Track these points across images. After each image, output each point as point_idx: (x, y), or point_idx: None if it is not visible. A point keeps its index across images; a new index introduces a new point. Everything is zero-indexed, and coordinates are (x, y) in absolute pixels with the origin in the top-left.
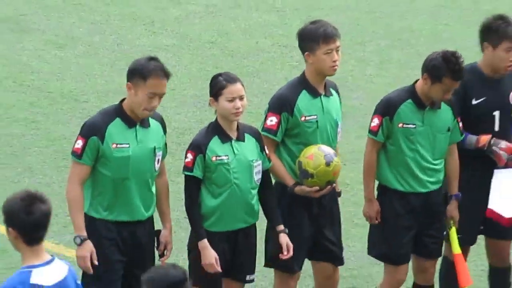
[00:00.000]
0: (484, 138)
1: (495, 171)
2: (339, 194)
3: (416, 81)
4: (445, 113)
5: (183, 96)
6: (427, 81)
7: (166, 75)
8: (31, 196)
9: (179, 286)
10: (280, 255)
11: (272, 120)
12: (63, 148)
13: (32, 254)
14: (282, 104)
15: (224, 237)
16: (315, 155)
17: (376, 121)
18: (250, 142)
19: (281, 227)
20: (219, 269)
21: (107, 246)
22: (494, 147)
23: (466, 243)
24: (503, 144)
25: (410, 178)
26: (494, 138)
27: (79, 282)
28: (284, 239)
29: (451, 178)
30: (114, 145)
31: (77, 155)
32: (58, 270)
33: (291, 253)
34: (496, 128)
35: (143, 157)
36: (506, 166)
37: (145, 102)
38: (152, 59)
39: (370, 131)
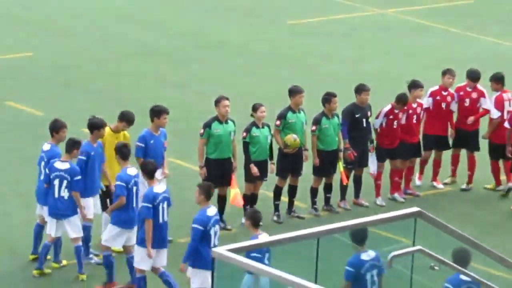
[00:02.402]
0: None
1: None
2: (306, 149)
3: (324, 109)
4: (337, 118)
5: (240, 113)
6: (327, 106)
7: (227, 98)
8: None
9: None
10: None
11: (278, 122)
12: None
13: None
14: (281, 116)
15: (257, 162)
16: (289, 137)
17: (313, 127)
18: (266, 129)
19: (272, 161)
20: (258, 173)
21: (212, 169)
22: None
23: (352, 169)
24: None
25: (328, 145)
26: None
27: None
28: (271, 167)
29: (339, 142)
30: (215, 130)
31: (201, 135)
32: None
33: (273, 173)
34: (365, 125)
35: (226, 135)
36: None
37: (222, 111)
38: (220, 96)
39: (312, 131)
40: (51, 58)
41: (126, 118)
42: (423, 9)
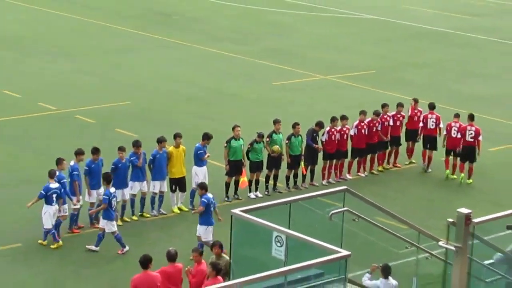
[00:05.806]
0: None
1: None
2: (283, 155)
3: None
4: (300, 137)
5: (244, 134)
6: (293, 130)
7: (239, 126)
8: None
9: None
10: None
11: (268, 139)
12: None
13: None
14: (269, 135)
15: (256, 162)
16: (276, 147)
17: (286, 141)
18: (261, 144)
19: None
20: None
21: (232, 166)
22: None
23: (309, 165)
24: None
25: (295, 152)
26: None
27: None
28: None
29: (301, 151)
30: (233, 144)
31: (225, 146)
32: None
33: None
34: (317, 141)
35: (239, 146)
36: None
37: (236, 133)
38: (235, 124)
39: (286, 143)
40: (139, 104)
41: (175, 135)
42: (349, 75)
